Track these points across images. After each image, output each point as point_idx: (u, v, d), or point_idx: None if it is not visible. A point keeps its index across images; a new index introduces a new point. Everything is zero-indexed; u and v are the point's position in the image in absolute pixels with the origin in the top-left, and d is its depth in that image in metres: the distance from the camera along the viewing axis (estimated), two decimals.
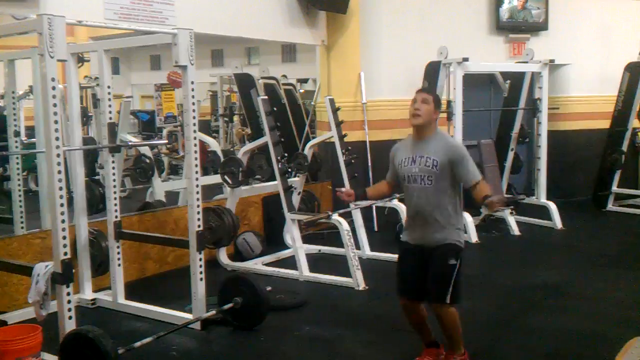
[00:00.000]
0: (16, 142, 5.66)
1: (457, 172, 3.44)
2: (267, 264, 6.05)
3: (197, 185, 4.26)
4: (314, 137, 7.46)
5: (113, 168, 4.74)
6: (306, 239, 6.19)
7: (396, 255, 5.96)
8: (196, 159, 4.25)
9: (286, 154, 5.98)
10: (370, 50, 7.64)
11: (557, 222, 7.39)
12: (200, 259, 4.31)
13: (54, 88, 3.46)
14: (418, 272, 3.53)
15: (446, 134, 3.79)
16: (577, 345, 4.05)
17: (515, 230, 7.19)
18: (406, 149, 3.60)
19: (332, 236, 6.36)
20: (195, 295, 4.33)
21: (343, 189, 3.86)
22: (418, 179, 3.49)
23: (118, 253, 4.76)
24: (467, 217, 6.60)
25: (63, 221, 3.53)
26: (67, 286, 3.57)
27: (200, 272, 4.32)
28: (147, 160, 7.24)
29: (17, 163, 5.65)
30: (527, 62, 7.63)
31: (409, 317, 3.66)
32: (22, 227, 5.48)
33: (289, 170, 6.21)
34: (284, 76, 9.06)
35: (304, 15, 7.13)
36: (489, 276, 5.51)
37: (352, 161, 6.38)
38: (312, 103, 8.31)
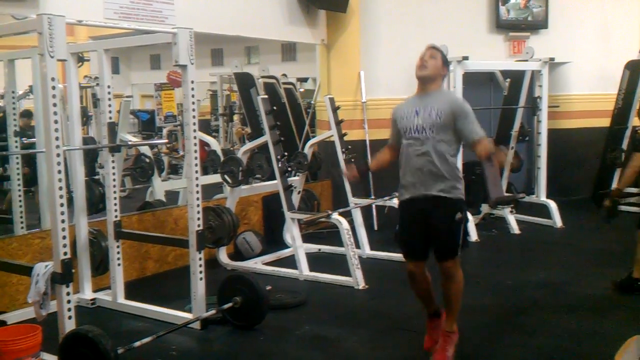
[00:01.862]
0: (16, 141, 5.67)
1: (460, 127, 3.42)
2: (267, 263, 6.05)
3: (197, 185, 4.27)
4: (314, 136, 7.46)
5: (113, 168, 4.74)
6: (306, 238, 6.20)
7: (395, 255, 5.99)
8: (196, 158, 4.26)
9: (286, 153, 5.98)
10: (370, 49, 7.64)
11: (557, 220, 7.39)
12: (200, 259, 4.31)
13: (54, 88, 3.46)
14: (421, 230, 3.54)
15: (451, 92, 3.79)
16: (577, 344, 4.05)
17: (515, 228, 7.20)
18: (409, 104, 3.60)
19: (332, 235, 6.35)
20: (195, 294, 4.34)
21: (345, 170, 3.85)
22: (420, 130, 3.46)
23: (118, 253, 4.77)
24: (468, 216, 6.59)
25: (63, 221, 3.53)
26: (67, 286, 3.57)
27: (200, 272, 4.32)
28: (147, 160, 7.25)
29: (17, 163, 5.66)
30: (527, 61, 7.62)
31: (415, 282, 3.65)
32: (22, 227, 5.48)
33: (289, 169, 6.21)
34: (284, 75, 9.05)
35: (304, 14, 7.13)
36: (488, 275, 5.51)
37: (352, 160, 6.38)
38: (312, 102, 8.30)
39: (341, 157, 6.27)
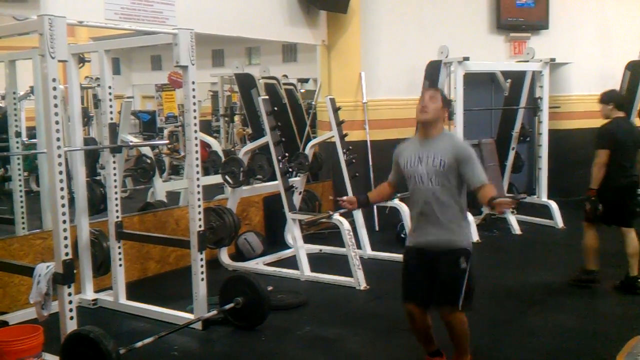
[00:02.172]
0: (17, 142, 5.67)
1: (463, 173, 3.38)
2: (268, 264, 6.05)
3: (198, 186, 4.27)
4: (314, 137, 7.46)
5: (114, 168, 4.75)
6: (307, 239, 6.20)
7: (397, 255, 5.98)
8: (197, 159, 4.26)
9: (287, 154, 5.98)
10: (370, 49, 7.64)
11: (559, 221, 7.38)
12: (202, 259, 4.31)
13: (55, 88, 3.46)
14: (425, 277, 3.47)
15: (453, 134, 3.75)
16: (578, 345, 4.05)
17: (516, 229, 7.20)
18: (412, 148, 3.54)
19: (333, 236, 6.36)
20: (197, 295, 4.34)
21: (345, 198, 3.82)
22: (425, 179, 3.42)
23: (119, 253, 4.77)
24: (469, 217, 6.58)
25: (64, 221, 3.53)
26: (69, 286, 3.57)
27: (202, 272, 4.32)
28: (148, 161, 7.24)
29: (19, 164, 5.66)
30: (527, 61, 7.63)
31: (414, 324, 3.57)
32: (23, 228, 5.48)
33: (290, 170, 6.21)
34: (285, 76, 9.06)
35: (305, 15, 7.13)
36: (489, 275, 5.50)
37: (353, 161, 6.38)
38: (313, 103, 8.30)
39: (342, 157, 6.27)
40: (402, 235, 6.41)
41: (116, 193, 4.75)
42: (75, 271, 3.63)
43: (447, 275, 3.40)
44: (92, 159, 6.21)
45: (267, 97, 6.03)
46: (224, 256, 6.02)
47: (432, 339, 3.62)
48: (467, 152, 3.42)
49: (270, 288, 4.62)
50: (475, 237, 6.68)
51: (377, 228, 7.30)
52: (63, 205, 3.52)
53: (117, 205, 4.73)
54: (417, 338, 3.66)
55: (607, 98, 5.25)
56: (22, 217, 5.53)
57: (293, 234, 5.77)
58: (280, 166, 5.75)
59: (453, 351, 3.55)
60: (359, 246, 6.08)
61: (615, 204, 4.96)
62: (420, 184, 3.45)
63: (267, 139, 5.79)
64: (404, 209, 6.14)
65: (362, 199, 3.82)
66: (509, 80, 7.87)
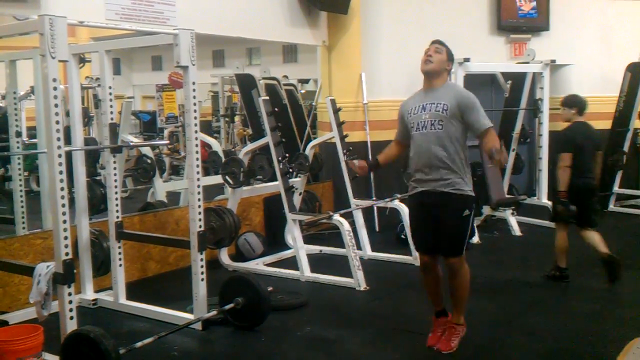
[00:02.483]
0: (17, 142, 5.67)
1: (467, 119, 3.44)
2: (268, 264, 6.05)
3: (199, 186, 4.27)
4: (315, 138, 7.46)
5: (114, 168, 4.75)
6: (307, 239, 6.19)
7: (397, 256, 5.99)
8: (197, 159, 4.26)
9: (287, 155, 5.98)
10: (371, 50, 7.64)
11: None
12: (202, 260, 4.31)
13: (55, 88, 3.46)
14: (430, 227, 3.58)
15: (456, 84, 3.82)
16: (578, 345, 4.05)
17: (516, 230, 7.20)
18: (415, 99, 3.62)
19: (333, 236, 6.36)
20: (197, 295, 4.34)
21: (356, 162, 3.85)
22: (428, 125, 3.49)
23: (119, 253, 4.77)
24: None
25: (64, 221, 3.53)
26: (69, 286, 3.57)
27: (202, 273, 4.32)
28: (149, 161, 7.25)
29: (19, 163, 5.66)
30: (528, 63, 7.62)
31: (427, 275, 3.72)
32: (23, 228, 5.49)
33: (290, 170, 6.21)
34: (285, 77, 9.07)
35: (305, 16, 7.13)
36: (490, 276, 5.50)
37: (356, 157, 6.37)
38: (313, 103, 8.31)
39: (342, 158, 6.27)
40: (403, 236, 6.42)
41: (116, 193, 4.75)
42: (75, 271, 3.63)
43: (452, 227, 3.52)
44: (93, 159, 6.21)
45: (267, 97, 6.03)
46: (224, 256, 6.02)
47: (441, 296, 3.79)
48: (470, 99, 3.49)
49: (270, 288, 4.62)
50: (475, 238, 6.68)
51: (377, 229, 7.31)
52: (63, 205, 3.52)
53: (117, 205, 4.73)
54: (427, 291, 3.83)
55: (571, 102, 5.46)
56: (22, 217, 5.54)
57: (293, 234, 5.77)
58: (281, 167, 5.75)
59: (452, 309, 3.76)
60: (359, 247, 6.08)
61: (574, 204, 5.15)
62: (424, 129, 3.50)
63: (268, 139, 5.79)
64: (404, 210, 6.13)
65: (372, 163, 3.91)
66: (509, 82, 7.86)
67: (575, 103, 5.44)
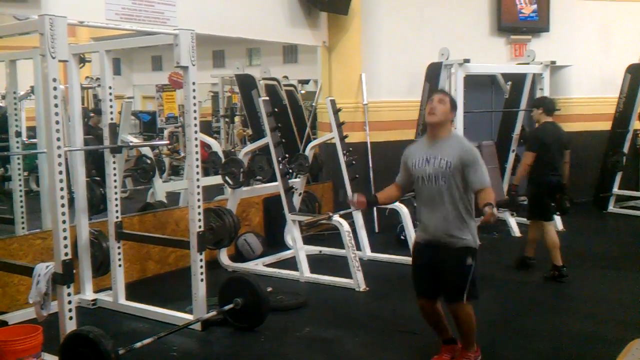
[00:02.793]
0: (17, 142, 5.67)
1: (467, 175, 3.48)
2: (268, 265, 6.05)
3: (198, 186, 4.27)
4: (315, 138, 7.46)
5: (114, 169, 4.74)
6: (307, 240, 6.19)
7: (396, 257, 5.99)
8: (197, 159, 4.26)
9: (287, 155, 5.98)
10: (371, 51, 7.64)
11: (558, 223, 7.35)
12: (201, 260, 4.31)
13: (55, 88, 3.46)
14: (432, 273, 3.57)
15: (461, 137, 3.81)
16: (578, 346, 4.05)
17: (515, 231, 7.20)
18: (420, 150, 3.64)
19: (333, 237, 6.35)
20: (196, 296, 4.34)
21: (355, 198, 3.84)
22: (432, 179, 3.52)
23: (119, 254, 4.77)
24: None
25: (64, 222, 3.53)
26: (68, 286, 3.57)
27: (201, 273, 4.32)
28: (148, 161, 7.25)
29: (19, 163, 5.66)
30: (528, 64, 7.63)
31: (427, 316, 3.71)
32: (23, 228, 5.48)
33: (290, 171, 6.21)
34: (285, 77, 9.07)
35: (305, 17, 7.13)
36: (489, 277, 5.49)
37: (353, 162, 6.39)
38: (313, 104, 8.31)
39: (342, 159, 6.27)
40: (402, 237, 6.41)
41: (116, 193, 4.75)
42: (74, 271, 3.63)
43: (453, 273, 3.52)
44: (92, 159, 6.20)
45: (267, 98, 6.03)
46: (224, 257, 6.02)
47: (446, 327, 3.74)
48: (472, 156, 3.52)
49: (269, 289, 4.62)
50: None
51: (376, 230, 7.30)
52: (63, 205, 3.52)
53: (116, 205, 4.73)
54: (431, 327, 3.79)
55: (538, 103, 5.83)
56: (22, 217, 5.53)
57: (293, 235, 5.77)
58: (280, 167, 5.75)
59: (461, 342, 3.69)
60: (358, 248, 6.08)
61: (541, 199, 5.50)
62: (428, 183, 3.55)
63: (267, 140, 5.79)
64: (404, 211, 6.14)
65: (371, 199, 3.89)
66: (509, 83, 7.87)
67: (541, 104, 5.74)
